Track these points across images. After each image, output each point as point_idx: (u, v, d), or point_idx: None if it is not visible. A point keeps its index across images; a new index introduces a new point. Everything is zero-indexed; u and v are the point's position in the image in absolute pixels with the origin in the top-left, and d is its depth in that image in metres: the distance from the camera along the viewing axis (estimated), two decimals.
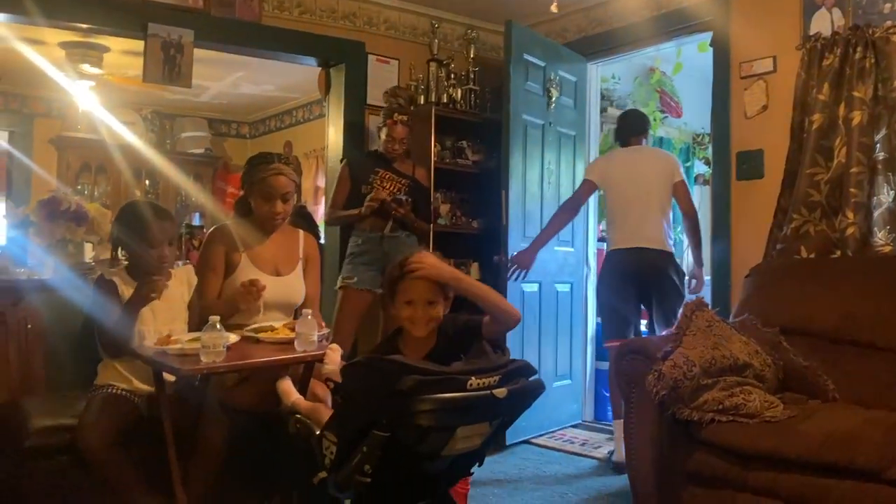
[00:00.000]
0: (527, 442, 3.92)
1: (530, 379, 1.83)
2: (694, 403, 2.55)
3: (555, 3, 2.78)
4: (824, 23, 3.27)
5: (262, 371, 2.49)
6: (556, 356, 4.17)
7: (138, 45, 3.64)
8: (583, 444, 3.91)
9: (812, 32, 3.29)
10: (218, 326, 2.12)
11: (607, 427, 4.25)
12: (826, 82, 3.16)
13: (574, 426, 4.29)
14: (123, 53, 5.33)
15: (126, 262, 2.59)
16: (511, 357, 1.90)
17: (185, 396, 2.47)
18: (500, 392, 1.68)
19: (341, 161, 4.03)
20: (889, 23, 3.06)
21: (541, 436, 4.01)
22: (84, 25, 3.61)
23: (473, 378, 1.69)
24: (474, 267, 4.49)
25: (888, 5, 3.10)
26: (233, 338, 2.27)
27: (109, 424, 2.30)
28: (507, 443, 3.78)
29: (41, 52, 5.09)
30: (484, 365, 1.78)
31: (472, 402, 1.67)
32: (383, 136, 3.82)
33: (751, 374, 2.67)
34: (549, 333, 4.12)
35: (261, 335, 2.40)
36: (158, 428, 2.27)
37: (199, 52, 3.89)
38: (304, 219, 4.05)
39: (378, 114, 4.26)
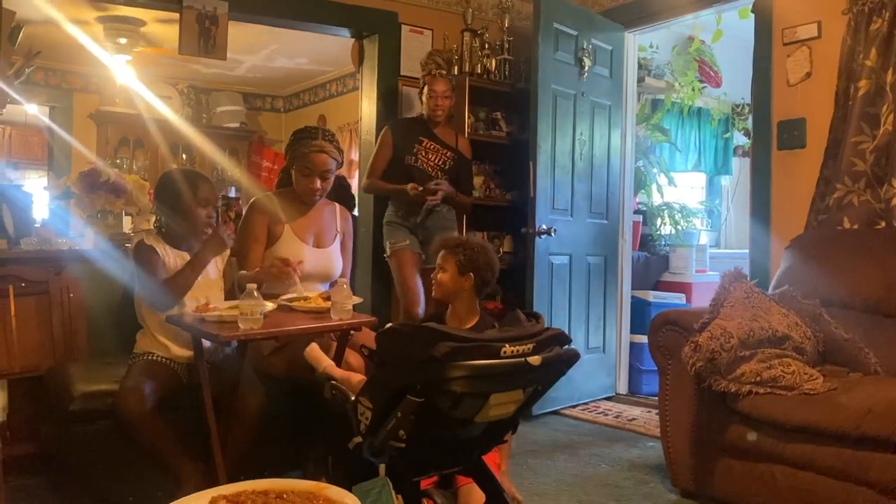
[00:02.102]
0: (557, 413, 3.92)
1: (565, 347, 1.82)
2: (731, 375, 2.52)
3: None
4: None
5: (299, 339, 2.53)
6: (588, 328, 4.15)
7: (174, 19, 3.65)
8: (616, 417, 3.90)
9: None
10: (255, 294, 2.14)
11: (642, 400, 4.24)
12: (873, 47, 3.05)
13: (607, 398, 4.28)
14: (159, 28, 5.36)
15: (163, 230, 2.63)
16: (545, 325, 1.89)
17: (223, 364, 2.52)
18: (535, 360, 1.68)
19: (384, 126, 3.93)
20: None
21: (573, 407, 4.01)
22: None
23: (507, 345, 1.69)
24: (507, 240, 4.49)
25: None
26: (270, 306, 2.30)
27: (149, 390, 2.34)
28: (536, 413, 3.78)
29: (79, 26, 5.14)
30: (518, 333, 1.78)
31: (506, 369, 1.67)
32: (425, 95, 3.75)
33: (790, 346, 2.63)
34: (580, 306, 4.09)
35: (294, 304, 2.42)
36: (197, 394, 2.32)
37: (234, 26, 3.90)
38: (342, 190, 4.07)
39: (413, 84, 4.25)
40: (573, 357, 1.80)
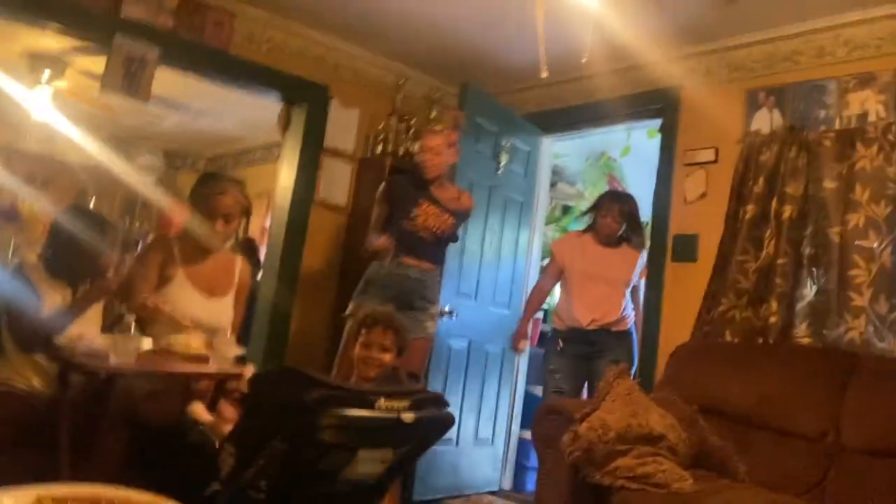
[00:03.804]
0: (439, 502, 3.84)
1: (442, 410, 1.82)
2: (606, 468, 2.55)
3: (544, 70, 2.82)
4: (764, 121, 3.46)
5: (173, 388, 2.44)
6: (479, 418, 4.13)
7: (96, 75, 3.62)
8: None
9: (753, 129, 3.47)
10: (133, 329, 2.06)
11: (525, 498, 4.20)
12: (762, 176, 3.31)
13: (491, 493, 4.22)
14: (86, 73, 5.29)
15: (50, 258, 2.53)
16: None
17: (88, 402, 2.38)
18: (408, 416, 1.67)
19: (384, 182, 3.60)
20: (823, 128, 3.25)
21: (455, 498, 3.94)
22: (53, 24, 3.57)
23: (383, 399, 1.67)
24: None
25: (822, 112, 3.30)
26: (147, 343, 2.21)
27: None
28: (417, 499, 3.69)
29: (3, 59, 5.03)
30: (395, 389, 1.77)
31: (379, 422, 1.65)
32: (416, 147, 3.54)
33: (664, 446, 2.68)
34: (474, 393, 4.09)
35: (175, 348, 2.34)
36: (55, 432, 2.18)
37: (163, 80, 3.90)
38: (249, 253, 4.00)
39: (336, 157, 4.32)
40: (448, 420, 1.80)
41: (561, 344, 3.75)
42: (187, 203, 2.80)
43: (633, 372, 3.40)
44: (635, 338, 3.75)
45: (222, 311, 2.78)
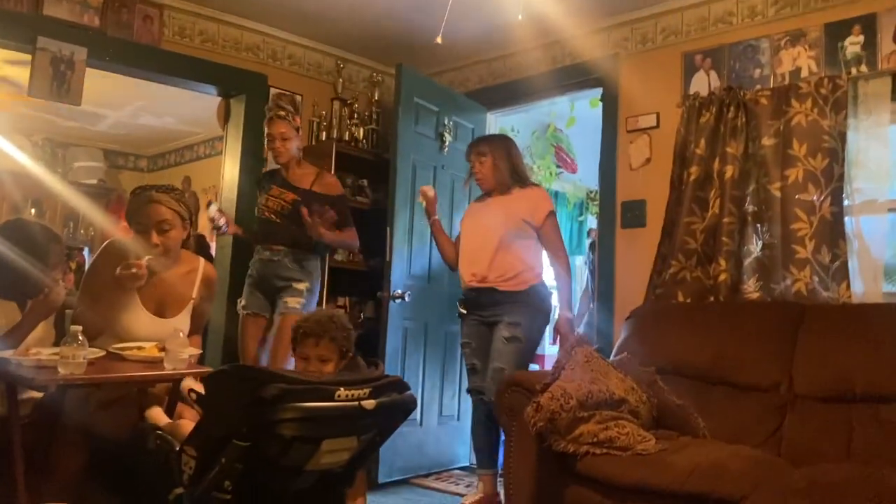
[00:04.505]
0: (407, 482, 3.86)
1: (403, 394, 1.82)
2: (570, 436, 2.59)
3: (439, 37, 2.85)
4: (702, 84, 3.51)
5: (128, 395, 2.39)
6: (442, 396, 4.15)
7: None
8: (468, 486, 3.88)
9: (691, 92, 3.52)
10: (80, 338, 2.01)
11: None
12: (703, 138, 3.36)
13: (460, 468, 4.26)
14: (8, 81, 5.10)
15: None
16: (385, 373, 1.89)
17: (42, 418, 2.33)
18: (369, 404, 1.67)
19: None
20: (759, 86, 3.32)
21: (425, 476, 3.96)
22: None
23: (342, 389, 1.66)
24: (369, 306, 4.48)
25: (758, 71, 3.36)
26: (97, 352, 2.16)
27: None
28: (384, 480, 3.71)
29: None
30: (354, 377, 1.76)
31: (340, 412, 1.65)
32: (266, 137, 3.67)
33: (626, 409, 2.74)
34: (435, 373, 4.10)
35: (125, 353, 2.29)
36: (7, 453, 2.11)
37: (98, 78, 3.79)
38: (201, 251, 3.93)
39: None
40: (410, 403, 1.80)
41: (461, 308, 3.46)
42: (126, 219, 2.71)
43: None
44: (540, 299, 3.38)
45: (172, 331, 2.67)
